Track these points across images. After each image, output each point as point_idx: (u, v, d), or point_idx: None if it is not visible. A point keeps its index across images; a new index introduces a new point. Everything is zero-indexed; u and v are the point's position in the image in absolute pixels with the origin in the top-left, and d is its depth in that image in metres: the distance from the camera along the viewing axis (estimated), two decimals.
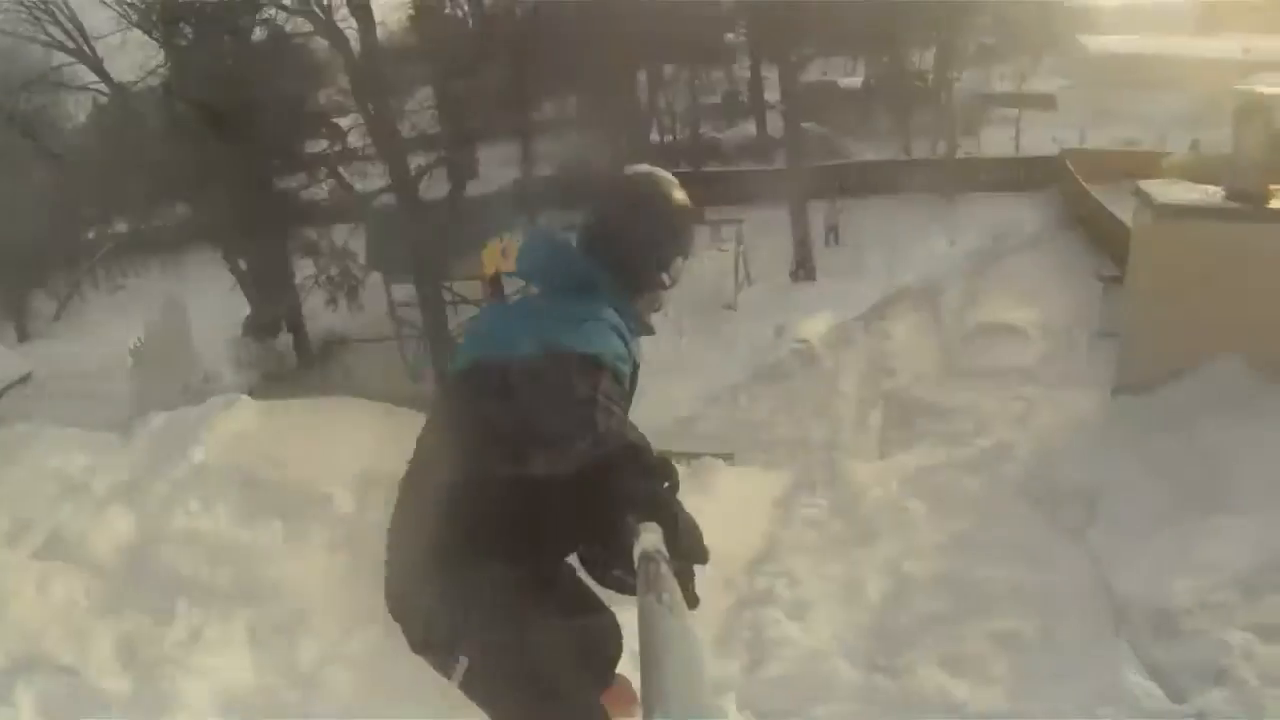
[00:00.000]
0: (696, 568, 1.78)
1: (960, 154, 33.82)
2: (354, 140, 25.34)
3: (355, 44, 22.89)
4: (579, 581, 2.51)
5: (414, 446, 2.46)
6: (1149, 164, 30.93)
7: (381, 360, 23.42)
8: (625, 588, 1.76)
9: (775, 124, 35.16)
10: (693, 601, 1.60)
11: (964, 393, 17.40)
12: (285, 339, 25.41)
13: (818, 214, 28.66)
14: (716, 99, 39.62)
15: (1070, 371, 17.49)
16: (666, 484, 1.90)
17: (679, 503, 1.81)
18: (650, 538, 1.58)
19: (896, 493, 8.47)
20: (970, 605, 6.26)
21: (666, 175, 2.60)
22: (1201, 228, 6.06)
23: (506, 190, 24.89)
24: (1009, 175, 31.97)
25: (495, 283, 23.92)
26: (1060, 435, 8.20)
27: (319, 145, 25.82)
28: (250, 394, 12.51)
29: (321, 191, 26.04)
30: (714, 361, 21.49)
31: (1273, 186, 6.07)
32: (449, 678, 2.28)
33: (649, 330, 2.56)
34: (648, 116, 35.01)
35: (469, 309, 23.87)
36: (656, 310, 2.63)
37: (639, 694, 1.26)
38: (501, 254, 22.98)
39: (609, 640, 2.67)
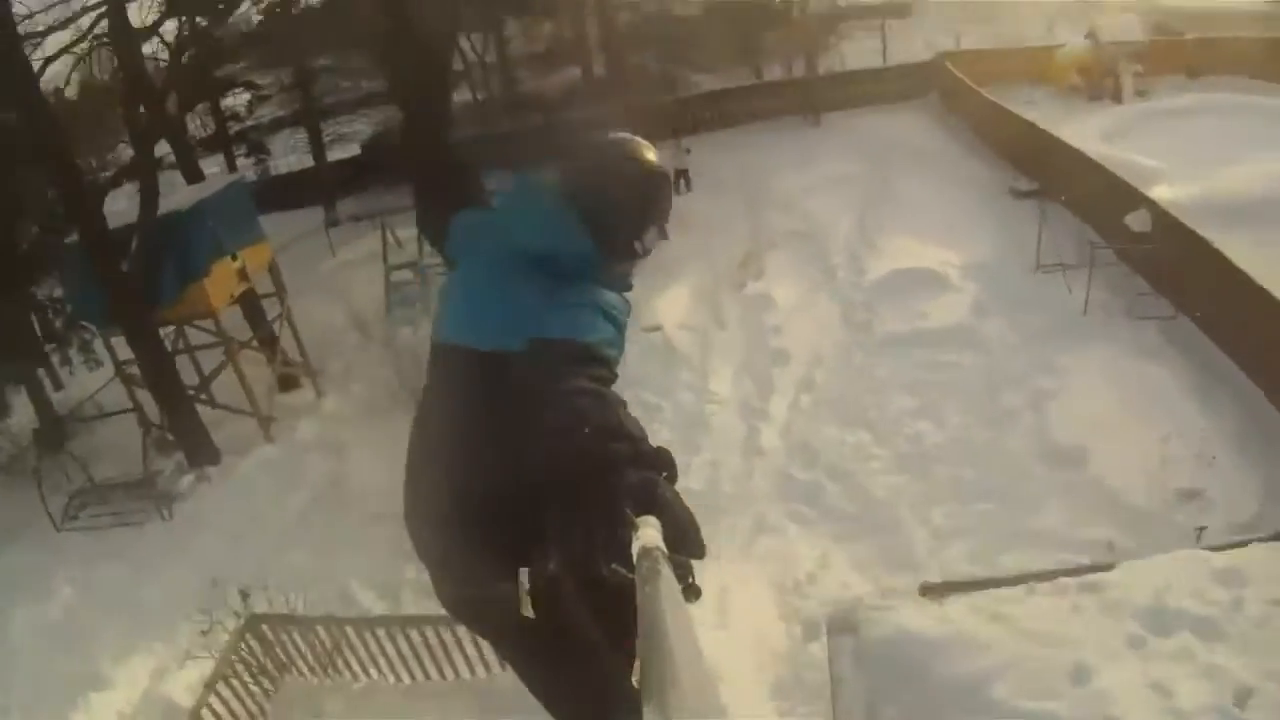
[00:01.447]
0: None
1: (821, 71, 29.27)
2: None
3: None
4: None
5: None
6: (1041, 61, 27.43)
7: (128, 436, 17.23)
8: (624, 583, 1.54)
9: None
10: (691, 595, 1.48)
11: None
12: (27, 415, 19.25)
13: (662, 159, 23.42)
14: (540, 48, 34.77)
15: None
16: (664, 475, 1.77)
17: (678, 496, 1.69)
18: (649, 533, 1.52)
19: None
20: None
21: (643, 141, 2.60)
22: None
23: (231, 192, 18.46)
24: (881, 87, 27.49)
25: (251, 308, 18.42)
26: None
27: None
28: None
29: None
30: None
31: None
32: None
33: (627, 290, 2.50)
34: (457, 76, 29.66)
35: (214, 354, 17.77)
36: (630, 278, 2.58)
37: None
38: (239, 275, 17.29)
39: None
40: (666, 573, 1.37)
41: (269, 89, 29.60)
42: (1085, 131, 18.85)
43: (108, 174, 20.10)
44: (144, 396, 16.98)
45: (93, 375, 19.75)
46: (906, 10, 33.77)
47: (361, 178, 26.85)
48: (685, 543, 1.56)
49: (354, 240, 24.67)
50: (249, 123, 30.21)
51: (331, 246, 24.81)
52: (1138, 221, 13.69)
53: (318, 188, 27.72)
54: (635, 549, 1.47)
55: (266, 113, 30.98)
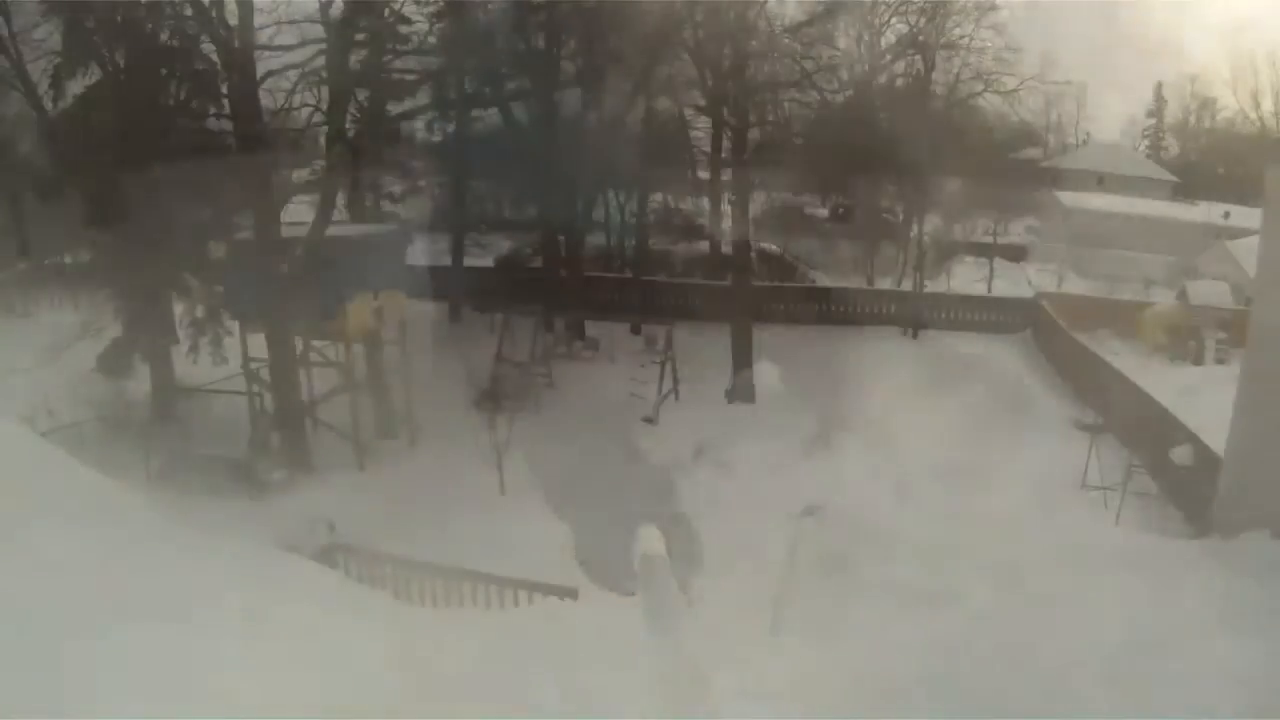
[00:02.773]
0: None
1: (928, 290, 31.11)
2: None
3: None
4: None
5: None
6: (1131, 313, 29.03)
7: (234, 419, 19.26)
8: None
9: None
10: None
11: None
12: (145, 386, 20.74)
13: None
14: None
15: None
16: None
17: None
18: (651, 540, 1.70)
19: None
20: None
21: None
22: None
23: (395, 236, 21.15)
24: (980, 315, 29.38)
25: (372, 348, 19.67)
26: None
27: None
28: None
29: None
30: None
31: None
32: None
33: None
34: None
35: (329, 375, 19.62)
36: None
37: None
38: (375, 315, 19.22)
39: None
40: (668, 577, 1.54)
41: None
42: (1160, 387, 19.93)
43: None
44: None
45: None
46: (1022, 254, 37.11)
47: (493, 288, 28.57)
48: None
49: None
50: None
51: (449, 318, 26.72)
52: (1181, 455, 14.94)
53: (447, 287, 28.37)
54: (637, 556, 1.65)
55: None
